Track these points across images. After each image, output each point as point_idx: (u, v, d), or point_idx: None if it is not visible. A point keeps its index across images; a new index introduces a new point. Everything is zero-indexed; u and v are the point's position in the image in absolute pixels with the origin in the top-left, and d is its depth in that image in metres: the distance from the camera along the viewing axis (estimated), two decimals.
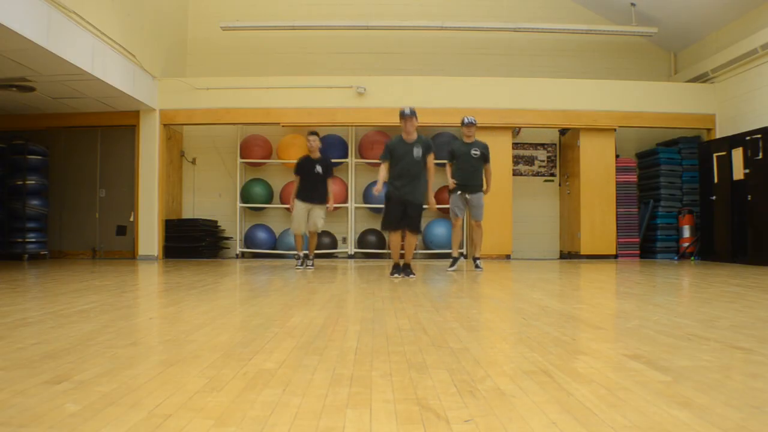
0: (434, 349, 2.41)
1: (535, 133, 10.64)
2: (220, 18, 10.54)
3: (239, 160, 10.35)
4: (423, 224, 10.04)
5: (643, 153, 10.69)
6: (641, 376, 1.95)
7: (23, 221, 9.10)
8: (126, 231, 9.98)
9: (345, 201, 10.14)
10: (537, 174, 10.76)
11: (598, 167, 9.83)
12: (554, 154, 10.79)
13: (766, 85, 8.63)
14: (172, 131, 10.26)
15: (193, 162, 10.81)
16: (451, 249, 7.42)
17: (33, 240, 9.24)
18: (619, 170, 9.95)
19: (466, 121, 7.02)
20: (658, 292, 4.92)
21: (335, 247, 10.30)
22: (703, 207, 9.76)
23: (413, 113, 5.91)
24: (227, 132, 10.68)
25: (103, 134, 10.13)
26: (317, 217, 7.18)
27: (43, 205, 9.45)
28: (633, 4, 9.93)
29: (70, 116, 9.69)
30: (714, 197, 9.40)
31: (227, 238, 10.48)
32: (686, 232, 9.97)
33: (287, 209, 7.90)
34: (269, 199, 10.46)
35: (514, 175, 10.24)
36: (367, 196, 10.25)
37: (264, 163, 10.62)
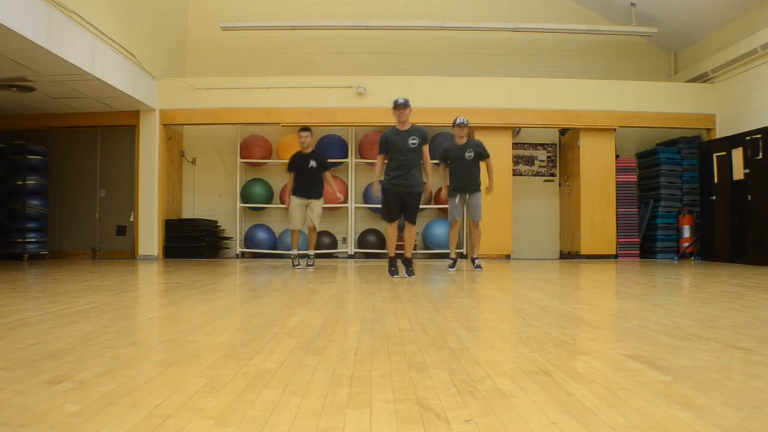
0: (434, 349, 2.41)
1: (535, 133, 10.64)
2: (220, 18, 10.54)
3: (239, 160, 10.35)
4: (423, 224, 10.18)
5: (643, 153, 10.69)
6: (641, 376, 1.95)
7: (23, 221, 9.10)
8: (126, 231, 9.98)
9: (345, 201, 10.14)
10: (537, 174, 10.76)
11: (598, 167, 9.83)
12: (554, 154, 10.79)
13: (766, 85, 8.63)
14: (172, 131, 10.26)
15: (193, 162, 10.81)
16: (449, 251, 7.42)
17: (33, 240, 9.23)
18: (619, 170, 9.95)
19: (458, 121, 6.87)
20: (658, 292, 4.92)
21: (335, 247, 10.30)
22: (703, 207, 9.76)
23: (407, 103, 5.93)
24: (227, 132, 10.68)
25: (103, 134, 10.13)
26: (314, 212, 7.18)
27: (43, 205, 9.45)
28: (633, 4, 9.93)
29: (70, 116, 9.69)
30: (714, 197, 9.40)
31: (227, 238, 10.48)
32: (686, 232, 9.97)
33: (286, 209, 7.90)
34: (269, 199, 10.46)
35: (514, 175, 10.24)
36: (366, 196, 10.25)
37: (264, 163, 10.62)
